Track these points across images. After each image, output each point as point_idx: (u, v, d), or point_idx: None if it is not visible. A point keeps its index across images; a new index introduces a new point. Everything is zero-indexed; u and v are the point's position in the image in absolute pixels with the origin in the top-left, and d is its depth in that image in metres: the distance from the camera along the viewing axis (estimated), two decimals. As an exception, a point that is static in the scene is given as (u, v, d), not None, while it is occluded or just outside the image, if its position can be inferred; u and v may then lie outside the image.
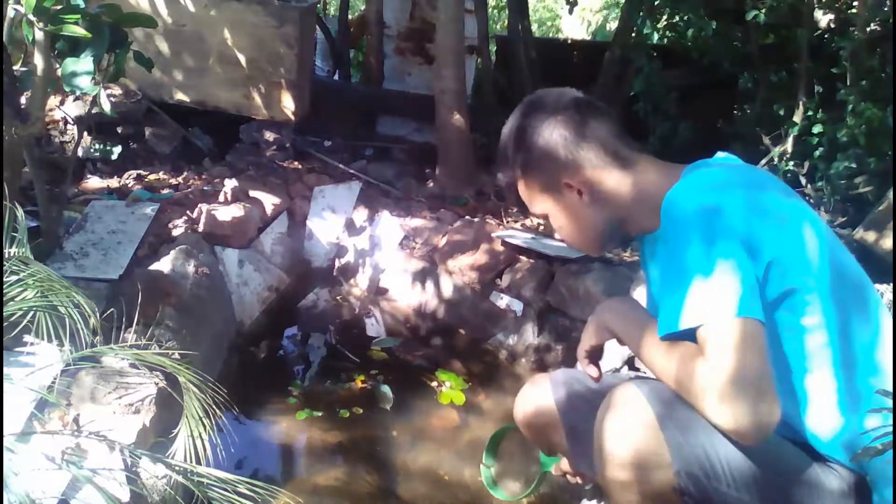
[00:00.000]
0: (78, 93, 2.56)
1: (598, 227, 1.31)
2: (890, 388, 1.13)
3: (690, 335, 1.10)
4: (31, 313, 1.61)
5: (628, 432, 1.15)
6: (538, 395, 1.58)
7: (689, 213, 1.13)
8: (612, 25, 6.83)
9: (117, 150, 3.53)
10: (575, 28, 7.70)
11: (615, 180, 1.27)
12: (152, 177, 3.42)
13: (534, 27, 6.17)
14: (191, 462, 1.55)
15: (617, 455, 1.16)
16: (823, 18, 3.61)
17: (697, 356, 1.09)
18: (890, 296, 2.01)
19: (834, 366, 1.15)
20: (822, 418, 1.16)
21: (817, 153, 3.29)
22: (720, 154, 1.30)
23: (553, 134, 1.27)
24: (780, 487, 1.15)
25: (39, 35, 2.09)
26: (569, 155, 1.27)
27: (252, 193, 3.22)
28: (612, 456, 1.17)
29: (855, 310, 1.17)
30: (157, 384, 1.90)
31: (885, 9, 2.95)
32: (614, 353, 2.08)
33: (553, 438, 1.57)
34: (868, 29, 2.96)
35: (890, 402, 0.95)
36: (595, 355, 1.38)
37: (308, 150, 3.92)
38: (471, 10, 4.12)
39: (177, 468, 1.54)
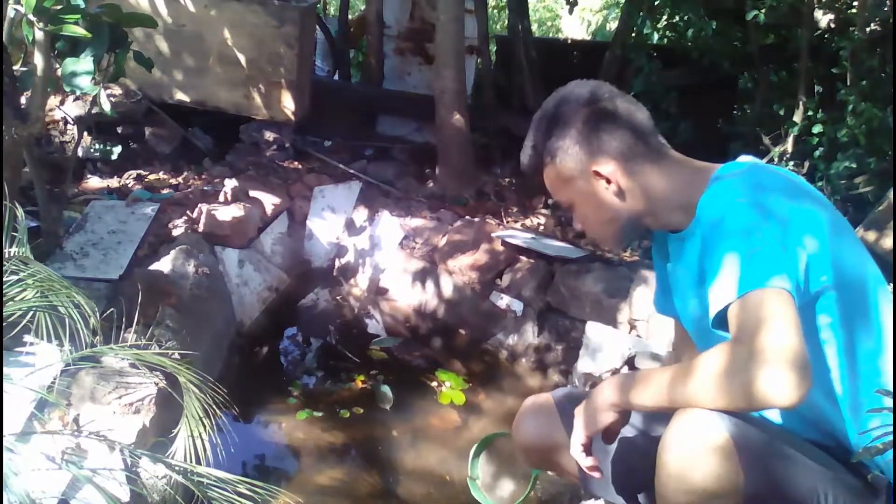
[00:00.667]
0: (78, 93, 2.56)
1: (621, 218, 1.30)
2: (889, 387, 1.13)
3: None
4: (31, 313, 1.61)
5: (701, 456, 1.07)
6: (542, 420, 1.50)
7: (731, 211, 1.12)
8: (612, 25, 6.83)
9: (117, 150, 3.53)
10: (575, 28, 7.70)
11: (644, 173, 1.26)
12: (152, 177, 3.42)
13: (534, 27, 6.16)
14: (191, 462, 1.55)
15: (687, 482, 1.08)
16: (823, 18, 3.60)
17: (723, 347, 1.05)
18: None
19: (840, 369, 1.15)
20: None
21: (817, 153, 3.29)
22: (744, 158, 1.28)
23: (587, 123, 1.26)
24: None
25: (39, 35, 2.09)
26: (601, 144, 1.26)
27: (252, 193, 3.22)
28: (682, 483, 1.09)
29: (859, 319, 1.15)
30: (157, 384, 1.90)
31: (885, 9, 2.95)
32: (614, 353, 2.08)
33: (558, 461, 1.49)
34: (868, 29, 2.96)
35: (890, 403, 0.95)
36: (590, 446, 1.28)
37: (308, 150, 3.91)
38: (471, 10, 4.12)
39: (177, 468, 1.54)
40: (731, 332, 1.05)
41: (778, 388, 0.99)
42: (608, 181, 1.27)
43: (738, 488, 1.07)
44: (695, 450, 1.08)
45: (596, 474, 1.28)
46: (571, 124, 1.27)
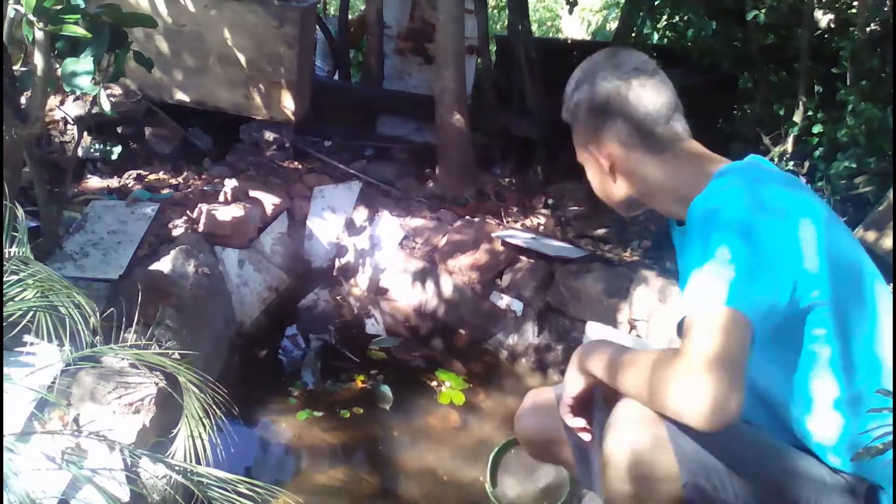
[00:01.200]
0: (78, 93, 2.56)
1: (620, 195, 1.32)
2: (889, 382, 1.13)
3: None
4: (32, 313, 1.61)
5: (637, 446, 1.13)
6: (541, 412, 1.54)
7: (707, 215, 1.12)
8: (612, 25, 6.83)
9: (117, 150, 3.53)
10: (575, 28, 7.69)
11: (641, 162, 1.26)
12: (152, 177, 3.42)
13: (534, 27, 6.16)
14: (191, 462, 1.55)
15: (624, 469, 1.14)
16: (823, 18, 3.60)
17: (668, 353, 1.07)
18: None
19: (834, 370, 1.14)
20: (825, 423, 1.16)
21: (817, 153, 3.29)
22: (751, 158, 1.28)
23: (598, 98, 1.26)
24: (788, 496, 1.13)
25: (39, 35, 2.09)
26: (600, 125, 1.26)
27: (252, 193, 3.22)
28: (619, 470, 1.15)
29: (854, 304, 1.16)
30: (157, 384, 1.90)
31: (885, 9, 2.94)
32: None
33: (558, 454, 1.54)
34: (868, 29, 2.96)
35: (890, 402, 0.95)
36: (582, 406, 1.33)
37: (308, 150, 3.91)
38: (471, 10, 4.12)
39: (177, 468, 1.54)
40: (681, 341, 1.06)
41: (694, 409, 1.00)
42: (604, 160, 1.29)
43: (672, 476, 1.12)
44: (631, 439, 1.13)
45: (586, 436, 1.34)
46: (587, 97, 1.28)
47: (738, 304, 1.03)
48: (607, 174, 1.30)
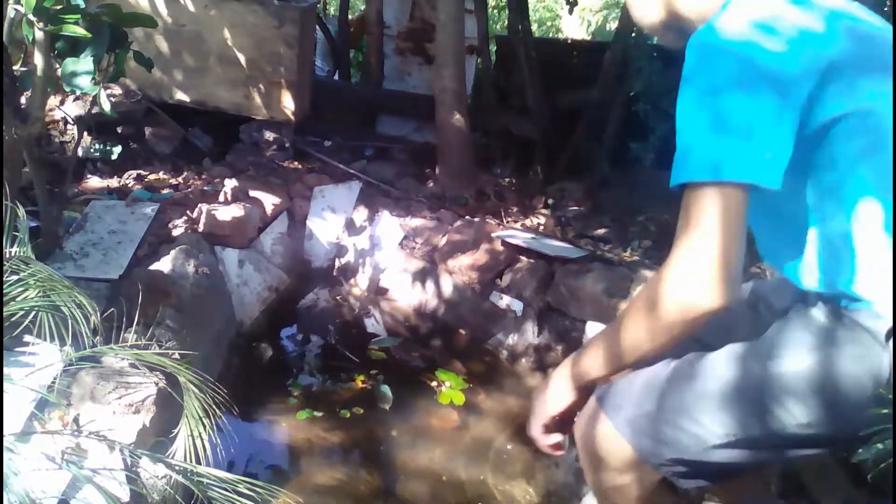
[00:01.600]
0: (78, 93, 2.56)
1: (661, 18, 1.25)
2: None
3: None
4: (32, 313, 1.61)
5: (586, 435, 1.25)
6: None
7: (701, 55, 1.05)
8: (612, 25, 6.83)
9: (117, 150, 3.53)
10: (575, 28, 7.70)
11: None
12: (152, 177, 3.42)
13: (534, 27, 6.17)
14: (191, 462, 1.55)
15: (587, 460, 1.28)
16: (823, 18, 3.61)
17: (652, 278, 1.08)
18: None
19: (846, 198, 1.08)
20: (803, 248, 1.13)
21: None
22: None
23: None
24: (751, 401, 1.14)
25: (39, 35, 2.09)
26: None
27: (252, 193, 3.22)
28: (585, 462, 1.29)
29: (872, 147, 1.07)
30: (157, 384, 1.90)
31: (886, 9, 2.94)
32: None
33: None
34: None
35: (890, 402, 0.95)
36: (558, 425, 1.33)
37: (308, 150, 3.92)
38: (471, 10, 4.12)
39: (177, 468, 1.54)
40: (678, 222, 1.04)
41: (704, 289, 0.99)
42: None
43: (628, 458, 1.23)
44: (580, 434, 1.29)
45: (559, 452, 1.38)
46: None
47: (734, 173, 0.99)
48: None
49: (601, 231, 3.38)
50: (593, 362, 1.20)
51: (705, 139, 1.01)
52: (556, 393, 1.27)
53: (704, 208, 1.00)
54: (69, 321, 1.60)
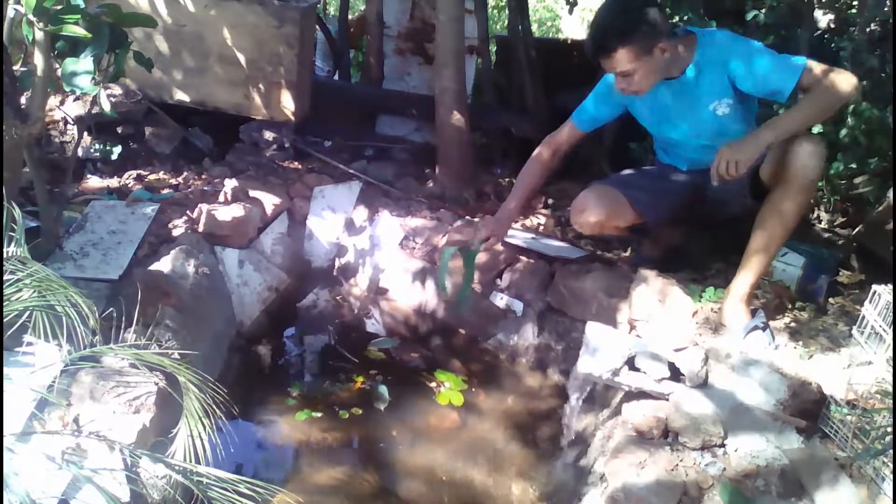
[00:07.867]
0: (78, 93, 2.57)
1: (658, 76, 2.23)
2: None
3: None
4: (29, 313, 1.61)
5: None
6: (608, 199, 2.48)
7: (736, 39, 2.24)
8: (612, 25, 6.81)
9: (117, 150, 3.53)
10: (575, 28, 7.69)
11: (676, 47, 2.22)
12: (152, 177, 3.42)
13: (534, 27, 6.16)
14: (191, 462, 1.55)
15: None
16: (823, 18, 3.60)
17: (822, 77, 2.09)
18: (889, 297, 2.01)
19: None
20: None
21: (817, 153, 3.29)
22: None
23: (656, 16, 2.15)
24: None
25: (39, 35, 2.09)
26: (663, 30, 2.15)
27: (252, 193, 3.22)
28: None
29: None
30: (156, 384, 1.90)
31: (886, 9, 2.94)
32: (614, 353, 2.08)
33: (618, 223, 2.52)
34: (868, 29, 2.96)
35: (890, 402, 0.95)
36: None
37: (308, 150, 3.91)
38: (471, 10, 4.12)
39: (177, 468, 1.54)
40: (813, 82, 2.09)
41: (852, 85, 2.07)
42: (662, 51, 2.17)
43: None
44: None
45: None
46: (648, 16, 2.16)
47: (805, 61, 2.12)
48: (662, 64, 2.18)
49: (601, 231, 3.38)
50: (791, 127, 2.09)
51: (783, 55, 2.16)
52: (751, 148, 2.07)
53: (818, 66, 2.10)
54: (65, 321, 1.60)
